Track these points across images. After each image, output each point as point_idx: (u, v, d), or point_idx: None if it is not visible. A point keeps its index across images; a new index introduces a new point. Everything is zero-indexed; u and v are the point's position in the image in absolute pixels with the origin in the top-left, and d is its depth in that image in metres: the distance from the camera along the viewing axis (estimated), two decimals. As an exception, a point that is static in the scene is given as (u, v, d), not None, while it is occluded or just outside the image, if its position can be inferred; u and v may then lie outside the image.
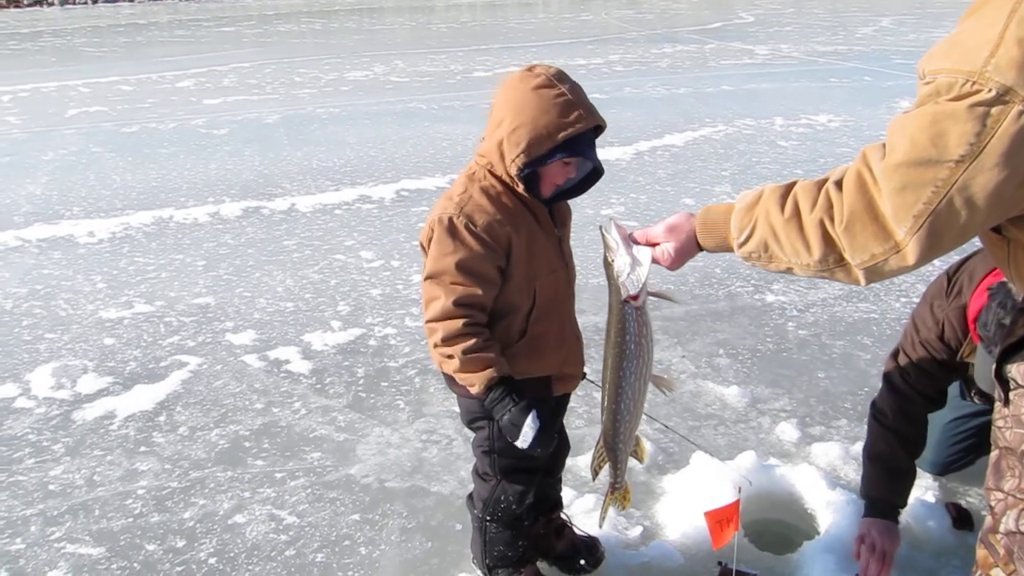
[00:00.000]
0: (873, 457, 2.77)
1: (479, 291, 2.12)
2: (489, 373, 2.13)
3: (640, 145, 8.63)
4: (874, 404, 2.82)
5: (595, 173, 2.25)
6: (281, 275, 5.45)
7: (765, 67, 13.98)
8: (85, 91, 12.19)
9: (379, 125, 9.83)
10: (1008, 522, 1.91)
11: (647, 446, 2.38)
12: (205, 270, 5.55)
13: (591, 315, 4.48)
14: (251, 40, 18.25)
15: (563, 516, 2.81)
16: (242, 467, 3.43)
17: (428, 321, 2.16)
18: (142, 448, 3.57)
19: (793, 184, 1.69)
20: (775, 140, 8.87)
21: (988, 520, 2.00)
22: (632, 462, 2.34)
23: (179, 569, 2.86)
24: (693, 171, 7.68)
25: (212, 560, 2.90)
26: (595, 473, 2.31)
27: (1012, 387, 1.94)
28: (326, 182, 7.59)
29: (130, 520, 3.12)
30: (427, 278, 2.17)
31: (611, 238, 2.03)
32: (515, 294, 2.21)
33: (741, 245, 1.77)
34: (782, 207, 1.66)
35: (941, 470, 3.20)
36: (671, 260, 1.97)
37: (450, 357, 2.13)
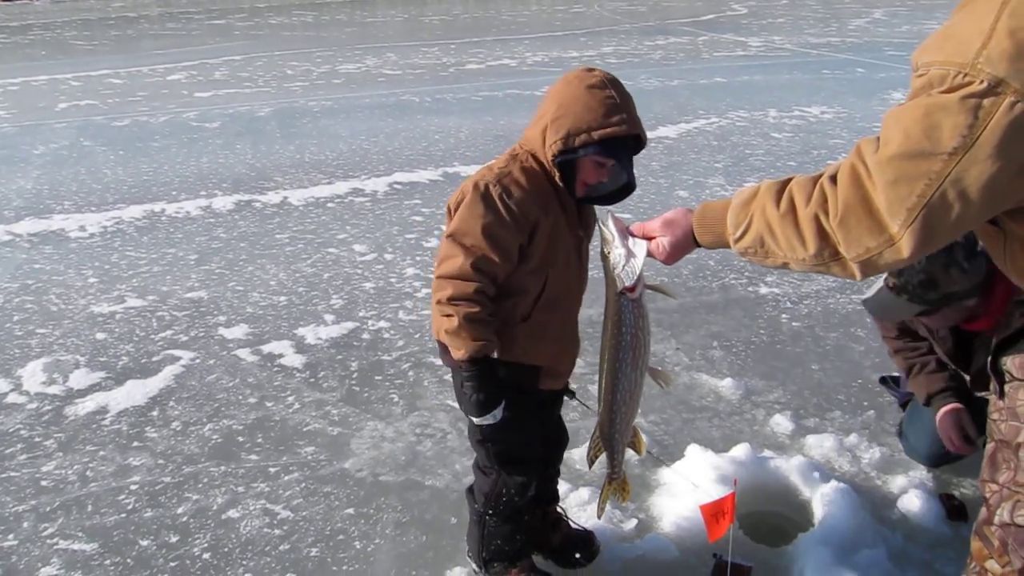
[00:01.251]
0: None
1: (497, 260, 2.15)
2: (480, 345, 2.16)
3: (633, 137, 8.61)
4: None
5: (628, 187, 2.28)
6: (274, 269, 5.43)
7: (758, 59, 13.97)
8: (76, 84, 12.12)
9: (371, 118, 9.80)
10: (1003, 514, 1.92)
11: (645, 438, 2.38)
12: (197, 264, 5.53)
13: (585, 308, 4.47)
14: (242, 33, 18.16)
15: (559, 510, 2.81)
16: (235, 462, 3.42)
17: (440, 276, 2.18)
18: (135, 443, 3.56)
19: (789, 180, 1.69)
20: (768, 132, 8.87)
21: (983, 512, 2.01)
22: (630, 453, 2.35)
23: (173, 564, 2.85)
24: (686, 163, 7.68)
25: (206, 555, 2.89)
26: (591, 462, 2.32)
27: (1007, 380, 1.95)
28: (318, 175, 7.56)
29: (123, 516, 3.10)
30: (449, 235, 2.19)
31: (608, 230, 2.05)
32: (528, 276, 2.24)
33: (737, 240, 1.77)
34: (778, 202, 1.67)
35: (935, 462, 3.21)
36: (667, 254, 1.98)
37: (450, 316, 2.14)
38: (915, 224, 1.48)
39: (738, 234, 1.76)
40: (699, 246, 1.94)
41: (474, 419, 2.27)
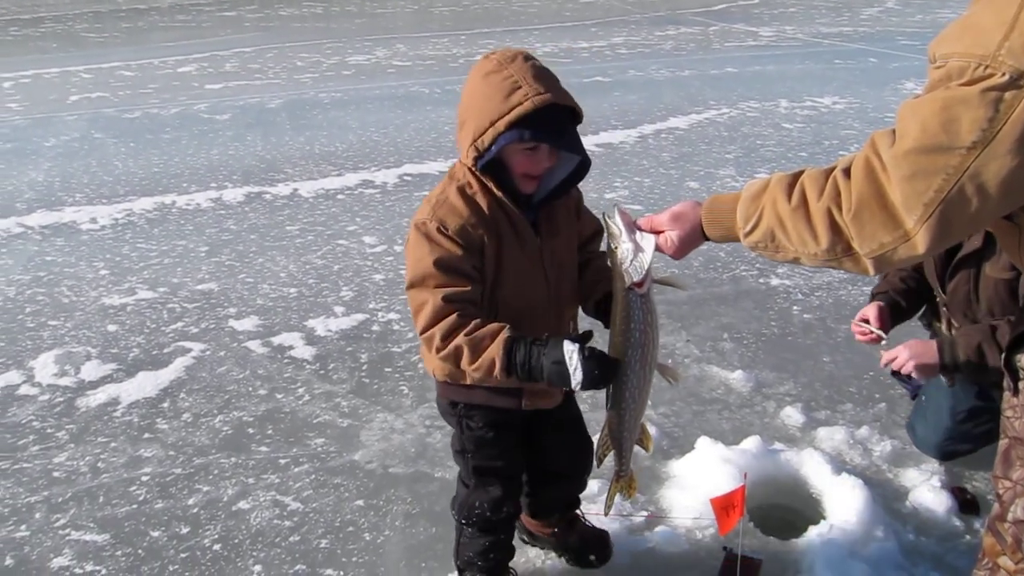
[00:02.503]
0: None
1: (467, 286, 2.06)
2: (502, 337, 1.99)
3: (644, 128, 8.58)
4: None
5: (583, 165, 2.16)
6: (284, 261, 5.44)
7: (770, 49, 13.88)
8: (87, 77, 12.13)
9: (381, 109, 9.78)
10: (1016, 511, 1.90)
11: (652, 433, 2.36)
12: (208, 256, 5.54)
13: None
14: (252, 24, 18.15)
15: (577, 512, 2.77)
16: (246, 453, 3.43)
17: (422, 332, 2.06)
18: (146, 435, 3.57)
19: (801, 173, 1.66)
20: (780, 123, 8.82)
21: (996, 508, 1.99)
22: (637, 450, 2.33)
23: (184, 555, 2.86)
24: (697, 154, 7.64)
25: (216, 546, 2.90)
26: (600, 460, 2.29)
27: (1022, 377, 1.93)
28: (328, 167, 7.56)
29: (134, 507, 3.12)
30: (410, 287, 2.09)
31: (614, 225, 2.00)
32: (484, 299, 2.14)
33: (747, 235, 1.74)
34: (789, 196, 1.63)
35: (944, 455, 3.19)
36: (675, 249, 1.94)
37: (458, 349, 2.01)
38: (931, 219, 1.45)
39: (748, 228, 1.73)
40: (708, 240, 1.90)
41: (574, 386, 1.98)
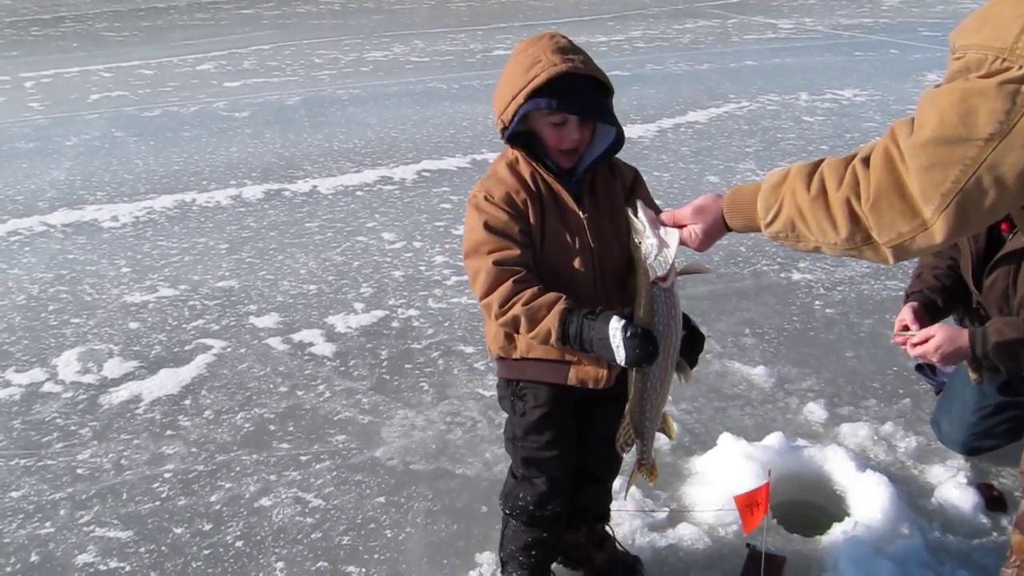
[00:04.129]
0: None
1: (517, 250, 2.12)
2: (557, 309, 2.03)
3: (663, 122, 8.54)
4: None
5: (620, 137, 2.20)
6: (304, 257, 5.45)
7: (789, 41, 13.78)
8: (107, 76, 12.21)
9: (399, 106, 9.79)
10: None
11: (673, 425, 2.34)
12: (228, 253, 5.56)
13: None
14: (270, 22, 18.21)
15: (607, 529, 2.71)
16: (267, 450, 3.44)
17: (481, 298, 2.14)
18: (168, 432, 3.59)
19: (820, 162, 1.67)
20: (800, 116, 8.75)
21: (1022, 506, 1.96)
22: (661, 439, 2.31)
23: (206, 552, 2.88)
24: (717, 148, 7.60)
25: (239, 543, 2.92)
26: (621, 450, 2.27)
27: None
28: (347, 164, 7.57)
29: (157, 504, 3.14)
30: (465, 257, 2.19)
31: (638, 220, 2.02)
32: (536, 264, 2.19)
33: (768, 225, 1.75)
34: (808, 185, 1.64)
35: (969, 450, 3.16)
36: (699, 241, 1.97)
37: (516, 319, 2.07)
38: (949, 209, 1.46)
39: (769, 218, 1.74)
40: (731, 231, 1.92)
41: (619, 361, 2.00)
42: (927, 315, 2.99)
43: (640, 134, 8.07)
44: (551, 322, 2.03)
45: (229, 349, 4.28)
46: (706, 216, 1.94)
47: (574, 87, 2.06)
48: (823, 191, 1.62)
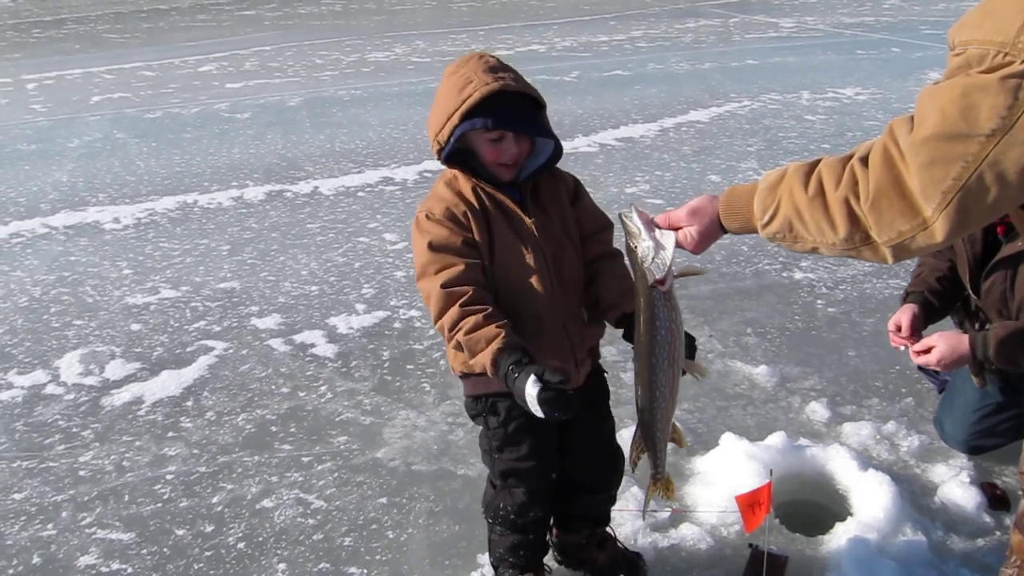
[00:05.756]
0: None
1: (461, 266, 2.11)
2: (492, 347, 2.00)
3: (665, 122, 8.53)
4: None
5: (557, 150, 2.23)
6: (305, 258, 5.45)
7: (790, 40, 13.77)
8: (109, 77, 12.23)
9: (401, 106, 9.79)
10: None
11: (681, 428, 2.32)
12: (230, 254, 5.56)
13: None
14: (272, 23, 18.24)
15: (608, 530, 2.72)
16: (269, 451, 3.44)
17: (434, 322, 2.14)
18: (170, 433, 3.59)
19: (818, 162, 1.65)
20: (802, 115, 8.74)
21: (1022, 505, 1.95)
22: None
23: (208, 554, 2.87)
24: (719, 147, 7.59)
25: (241, 544, 2.91)
26: (634, 464, 2.24)
27: None
28: (349, 164, 7.57)
29: (159, 505, 3.14)
30: (417, 280, 2.19)
31: (632, 224, 1.98)
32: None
33: (765, 226, 1.73)
34: (806, 185, 1.63)
35: (972, 449, 3.15)
36: (695, 244, 1.94)
37: (459, 346, 2.06)
38: (950, 207, 1.44)
39: (765, 219, 1.72)
40: (727, 232, 1.90)
41: (535, 413, 1.96)
42: (925, 317, 2.99)
43: (642, 133, 8.06)
44: (486, 359, 2.02)
45: (231, 350, 4.28)
46: (702, 218, 1.91)
47: (508, 104, 2.08)
48: (821, 191, 1.60)
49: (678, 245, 1.95)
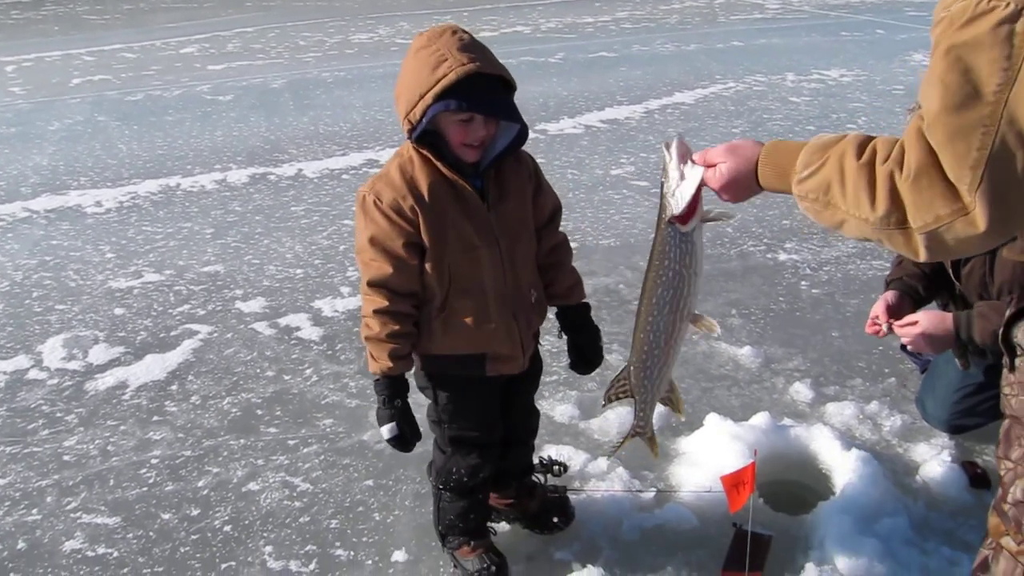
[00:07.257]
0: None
1: (390, 269, 2.16)
2: (380, 366, 2.24)
3: (650, 103, 8.52)
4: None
5: (522, 133, 2.21)
6: (290, 242, 5.43)
7: (776, 21, 13.77)
8: (89, 59, 12.08)
9: (385, 88, 9.71)
10: (1016, 492, 1.86)
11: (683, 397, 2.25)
12: (213, 238, 5.53)
13: (602, 276, 4.45)
14: (254, 4, 18.06)
15: (534, 479, 2.83)
16: (255, 435, 3.43)
17: (361, 312, 2.28)
18: (155, 417, 3.58)
19: (875, 138, 1.53)
20: (786, 96, 8.75)
21: (999, 490, 1.96)
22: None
23: (194, 537, 2.87)
24: (704, 129, 7.59)
25: (227, 528, 2.91)
26: (607, 400, 2.22)
27: (1019, 353, 1.88)
28: (333, 147, 7.53)
29: (145, 489, 3.13)
30: (356, 252, 2.27)
31: (667, 154, 1.88)
32: (432, 270, 2.21)
33: (802, 181, 1.60)
34: (859, 153, 1.50)
35: (953, 429, 3.18)
36: (721, 180, 1.79)
37: (368, 327, 2.23)
38: (984, 186, 1.33)
39: (805, 173, 1.59)
40: (758, 182, 1.75)
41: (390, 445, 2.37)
42: (907, 305, 2.99)
43: (627, 115, 8.05)
44: (375, 370, 2.28)
45: (215, 334, 4.27)
46: (737, 157, 1.76)
47: (480, 85, 2.03)
48: (872, 161, 1.47)
49: (704, 183, 1.82)
